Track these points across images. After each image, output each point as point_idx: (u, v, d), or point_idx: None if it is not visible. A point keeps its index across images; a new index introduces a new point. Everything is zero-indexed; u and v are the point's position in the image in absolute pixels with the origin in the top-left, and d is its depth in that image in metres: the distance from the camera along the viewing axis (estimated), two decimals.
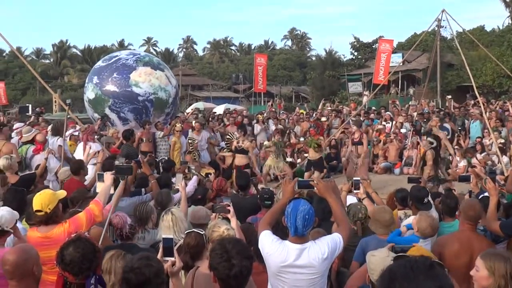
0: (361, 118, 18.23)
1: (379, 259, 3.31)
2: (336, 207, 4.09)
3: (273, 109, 25.11)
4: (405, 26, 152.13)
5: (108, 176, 5.18)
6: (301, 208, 3.77)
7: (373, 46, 41.65)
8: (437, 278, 1.96)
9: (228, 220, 5.03)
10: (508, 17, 49.06)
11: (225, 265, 3.16)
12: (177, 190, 6.98)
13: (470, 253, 4.68)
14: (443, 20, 18.72)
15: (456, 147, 15.29)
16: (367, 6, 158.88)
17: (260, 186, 8.33)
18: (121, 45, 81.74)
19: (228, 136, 14.69)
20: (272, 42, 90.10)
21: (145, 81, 13.80)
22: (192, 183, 8.35)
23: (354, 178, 6.11)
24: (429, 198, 6.13)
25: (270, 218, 4.15)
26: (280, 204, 4.23)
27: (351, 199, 6.91)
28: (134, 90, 13.68)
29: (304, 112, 21.88)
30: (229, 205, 4.69)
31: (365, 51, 44.06)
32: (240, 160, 13.03)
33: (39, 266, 3.59)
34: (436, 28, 21.88)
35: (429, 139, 12.20)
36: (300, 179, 4.30)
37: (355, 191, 6.21)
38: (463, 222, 5.02)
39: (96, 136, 11.94)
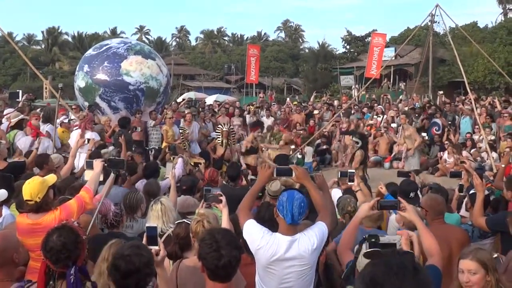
0: (352, 111, 18.27)
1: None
2: (315, 194, 4.09)
3: (264, 99, 25.17)
4: (398, 20, 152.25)
5: (97, 163, 5.14)
6: (296, 196, 3.78)
7: (366, 40, 41.69)
8: (424, 284, 1.84)
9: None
10: (501, 13, 49.49)
11: (214, 255, 3.15)
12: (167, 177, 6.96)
13: (448, 244, 4.67)
14: (437, 15, 18.71)
15: (446, 142, 15.38)
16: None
17: (250, 177, 8.32)
18: (114, 33, 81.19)
19: (219, 127, 14.67)
20: (265, 33, 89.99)
21: (136, 70, 13.72)
22: (179, 166, 8.34)
23: (349, 171, 6.10)
24: (418, 192, 6.14)
25: (248, 203, 4.18)
26: (255, 188, 4.27)
27: (336, 192, 6.92)
28: (125, 79, 13.59)
29: (296, 104, 21.86)
30: (221, 195, 4.67)
31: (357, 44, 44.11)
32: (251, 160, 13.05)
33: (20, 254, 3.57)
34: (429, 23, 21.89)
35: (354, 138, 12.02)
36: (278, 166, 4.30)
37: (349, 183, 6.20)
38: (432, 220, 4.92)
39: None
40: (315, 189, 4.12)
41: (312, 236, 3.81)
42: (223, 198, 4.60)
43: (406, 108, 19.03)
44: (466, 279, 3.53)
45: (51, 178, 4.69)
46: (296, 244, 3.76)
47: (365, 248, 3.10)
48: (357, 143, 11.53)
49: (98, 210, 4.96)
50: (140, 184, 7.31)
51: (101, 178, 5.18)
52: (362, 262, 3.39)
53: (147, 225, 3.64)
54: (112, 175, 5.28)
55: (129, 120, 12.18)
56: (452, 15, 30.11)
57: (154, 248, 3.51)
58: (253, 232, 3.89)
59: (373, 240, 2.44)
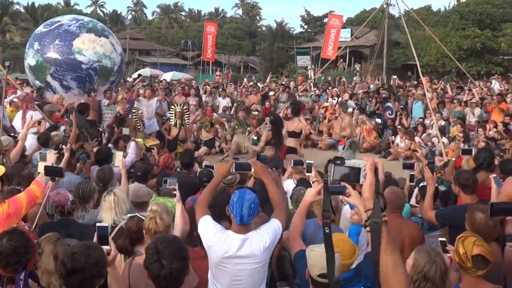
0: (298, 94, 18.21)
1: (319, 254, 3.32)
2: (273, 190, 4.11)
3: (221, 80, 25.03)
4: (354, 2, 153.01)
5: (50, 155, 5.01)
6: (247, 197, 3.77)
7: (323, 20, 41.79)
8: None
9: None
10: None
11: (155, 266, 3.16)
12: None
13: (401, 240, 4.75)
14: None
15: (398, 127, 15.66)
16: None
17: (204, 164, 8.24)
18: (67, 4, 78.84)
19: (172, 107, 14.50)
20: (222, 10, 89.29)
21: (88, 48, 13.40)
22: (132, 151, 8.20)
23: (307, 161, 6.11)
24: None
25: (206, 199, 4.15)
26: (214, 183, 4.24)
27: (289, 183, 6.95)
28: (77, 57, 13.29)
29: (252, 85, 21.81)
30: (175, 189, 4.61)
31: (315, 24, 44.19)
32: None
33: None
34: (385, 6, 22.08)
35: (267, 119, 12.11)
36: (237, 161, 4.30)
37: (307, 174, 6.22)
38: (390, 212, 5.01)
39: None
40: (272, 185, 4.12)
41: (265, 235, 3.81)
42: (177, 193, 4.55)
43: (361, 91, 19.26)
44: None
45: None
46: (249, 243, 3.77)
47: (331, 170, 3.07)
48: (267, 124, 11.67)
49: (54, 201, 4.88)
50: (93, 170, 7.16)
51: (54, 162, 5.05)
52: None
53: (97, 224, 3.55)
54: (62, 163, 5.16)
55: (88, 106, 11.86)
56: None
57: (105, 248, 3.44)
58: (206, 229, 3.89)
59: (338, 162, 2.47)
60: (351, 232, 5.11)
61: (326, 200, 2.61)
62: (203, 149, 14.22)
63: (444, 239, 4.30)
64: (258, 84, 23.31)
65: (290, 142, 11.24)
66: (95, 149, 8.17)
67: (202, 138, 14.48)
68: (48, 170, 4.75)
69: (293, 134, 11.25)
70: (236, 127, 14.79)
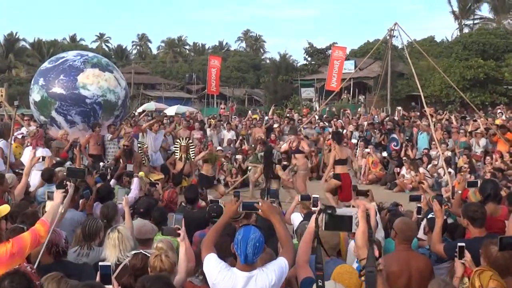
0: (303, 126, 18.23)
1: None
2: (280, 229, 4.08)
3: (226, 113, 25.12)
4: (358, 33, 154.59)
5: (58, 195, 4.98)
6: (251, 236, 3.74)
7: (327, 52, 42.14)
8: None
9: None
10: (456, 29, 50.81)
11: None
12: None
13: (408, 272, 4.74)
14: (395, 30, 19.06)
15: (404, 158, 15.63)
16: (326, 11, 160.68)
17: (209, 198, 8.22)
18: (73, 40, 79.94)
19: (177, 141, 14.49)
20: (226, 43, 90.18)
21: (93, 83, 13.49)
22: (135, 187, 8.18)
23: (313, 195, 6.09)
24: (377, 217, 6.16)
25: (212, 238, 4.13)
26: (221, 222, 4.23)
27: (296, 217, 6.92)
28: (81, 92, 13.34)
29: (257, 117, 21.89)
30: (179, 228, 4.59)
31: (319, 56, 44.58)
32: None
33: None
34: (388, 37, 22.27)
35: (260, 153, 12.28)
36: (244, 201, 4.29)
37: (313, 209, 6.19)
38: (399, 243, 5.02)
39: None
40: (280, 224, 4.10)
41: (271, 273, 3.77)
42: (182, 232, 4.52)
43: (366, 123, 19.29)
44: None
45: (4, 209, 4.51)
46: (254, 281, 3.73)
47: (323, 219, 3.03)
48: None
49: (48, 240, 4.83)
50: (95, 207, 7.13)
51: (61, 209, 5.03)
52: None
53: (100, 263, 3.53)
54: (68, 197, 5.14)
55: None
56: (411, 29, 30.93)
57: (108, 287, 3.41)
58: (211, 267, 3.86)
59: (329, 212, 2.45)
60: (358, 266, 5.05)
61: (318, 252, 2.60)
62: (220, 187, 13.84)
63: (463, 244, 4.25)
64: (263, 115, 23.42)
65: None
66: (98, 185, 8.15)
67: (204, 172, 14.02)
68: (71, 171, 4.72)
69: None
70: (256, 160, 14.29)
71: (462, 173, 11.69)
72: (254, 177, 13.37)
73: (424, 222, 6.58)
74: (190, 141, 14.52)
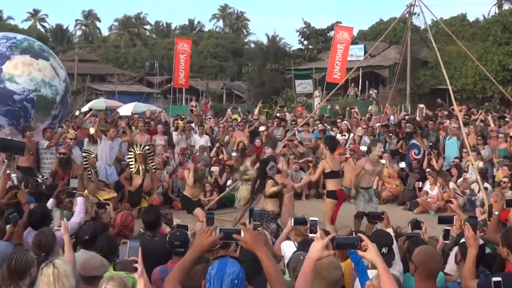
0: (298, 129, 18.27)
1: None
2: (268, 264, 4.05)
3: (198, 112, 25.11)
4: (368, 10, 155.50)
5: None
6: (228, 270, 3.72)
7: (328, 34, 42.27)
8: None
9: None
10: (494, 5, 50.89)
11: None
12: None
13: None
14: (416, 6, 18.72)
15: (427, 170, 15.63)
16: None
17: (175, 223, 8.18)
18: None
19: (131, 150, 14.35)
20: (198, 22, 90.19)
21: (23, 74, 13.49)
22: (79, 210, 8.12)
23: (311, 218, 6.10)
24: (394, 246, 6.17)
25: (178, 277, 4.09)
26: (189, 257, 4.18)
27: (288, 246, 6.91)
28: (7, 86, 13.36)
29: (239, 118, 21.89)
30: (136, 261, 4.57)
31: (318, 40, 44.68)
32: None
33: None
34: (407, 15, 22.16)
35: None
36: (222, 227, 4.27)
37: (310, 235, 6.19)
38: (420, 280, 4.95)
39: None
40: (268, 258, 4.06)
41: None
42: (139, 266, 4.49)
43: (378, 125, 19.31)
44: None
45: None
46: None
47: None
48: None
49: None
50: (26, 236, 7.07)
51: None
52: None
53: None
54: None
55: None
56: (437, 4, 30.89)
57: None
58: None
59: None
60: None
61: None
62: (198, 210, 12.44)
63: (499, 278, 4.29)
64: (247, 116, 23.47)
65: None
66: (30, 206, 8.09)
67: (187, 194, 13.34)
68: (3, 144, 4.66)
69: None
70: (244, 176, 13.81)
71: (501, 189, 11.75)
72: (240, 205, 12.86)
73: (455, 249, 6.57)
74: (148, 148, 14.33)
